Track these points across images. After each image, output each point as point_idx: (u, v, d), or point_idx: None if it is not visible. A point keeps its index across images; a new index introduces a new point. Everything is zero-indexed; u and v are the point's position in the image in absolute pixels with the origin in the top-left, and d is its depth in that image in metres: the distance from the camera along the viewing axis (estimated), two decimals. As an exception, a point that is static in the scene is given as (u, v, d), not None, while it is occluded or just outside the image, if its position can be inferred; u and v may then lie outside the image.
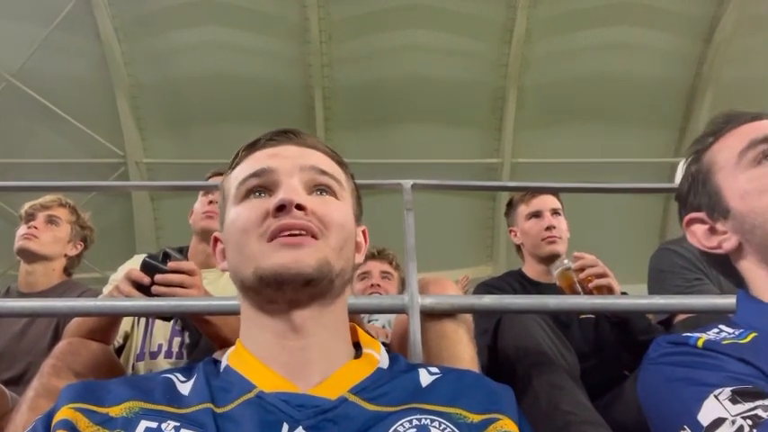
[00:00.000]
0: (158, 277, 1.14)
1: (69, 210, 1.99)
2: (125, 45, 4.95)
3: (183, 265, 1.16)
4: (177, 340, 1.43)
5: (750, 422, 0.55)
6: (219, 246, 0.76)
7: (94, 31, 4.81)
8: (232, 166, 0.75)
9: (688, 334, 0.68)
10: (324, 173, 0.72)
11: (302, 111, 5.22)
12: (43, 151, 5.18)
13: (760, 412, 0.55)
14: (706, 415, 0.58)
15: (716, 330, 0.69)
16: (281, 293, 0.64)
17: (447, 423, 0.60)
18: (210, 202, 1.63)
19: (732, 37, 4.82)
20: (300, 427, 0.58)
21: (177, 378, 0.67)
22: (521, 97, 5.13)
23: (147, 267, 1.14)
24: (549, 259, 1.75)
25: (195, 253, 1.61)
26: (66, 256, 1.96)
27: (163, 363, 1.40)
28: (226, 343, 1.28)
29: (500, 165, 5.39)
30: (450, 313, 1.09)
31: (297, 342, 0.65)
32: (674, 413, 0.62)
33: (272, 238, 0.64)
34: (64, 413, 0.59)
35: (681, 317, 1.38)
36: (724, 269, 0.78)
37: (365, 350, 0.70)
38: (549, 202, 1.83)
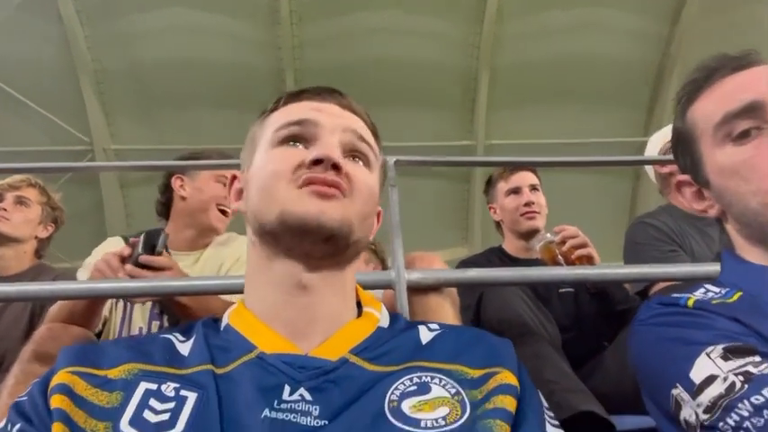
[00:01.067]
0: (150, 259, 1.13)
1: (39, 190, 1.93)
2: (88, 28, 4.79)
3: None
4: (156, 324, 1.41)
5: (741, 378, 0.56)
6: (237, 185, 0.75)
7: (56, 14, 4.65)
8: (270, 111, 0.75)
9: (677, 294, 0.69)
10: (363, 140, 0.72)
11: (274, 94, 5.10)
12: (4, 138, 5.01)
13: (750, 368, 0.56)
14: (698, 372, 0.59)
15: (702, 291, 0.70)
16: (300, 242, 0.64)
17: (448, 379, 0.61)
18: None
19: (698, 18, 4.91)
20: (302, 388, 0.58)
21: (176, 338, 0.66)
22: (493, 78, 5.15)
23: (149, 238, 1.15)
24: (529, 234, 1.78)
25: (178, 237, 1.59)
26: (36, 238, 1.91)
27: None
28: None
29: (473, 147, 5.40)
30: (435, 288, 1.10)
31: (303, 299, 0.65)
32: (667, 372, 0.63)
33: (304, 185, 0.64)
34: (61, 377, 0.58)
35: (658, 287, 1.42)
36: (720, 227, 0.78)
37: (365, 309, 0.71)
38: (527, 178, 1.86)
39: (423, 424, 0.56)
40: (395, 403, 0.58)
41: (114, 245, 1.52)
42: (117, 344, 0.64)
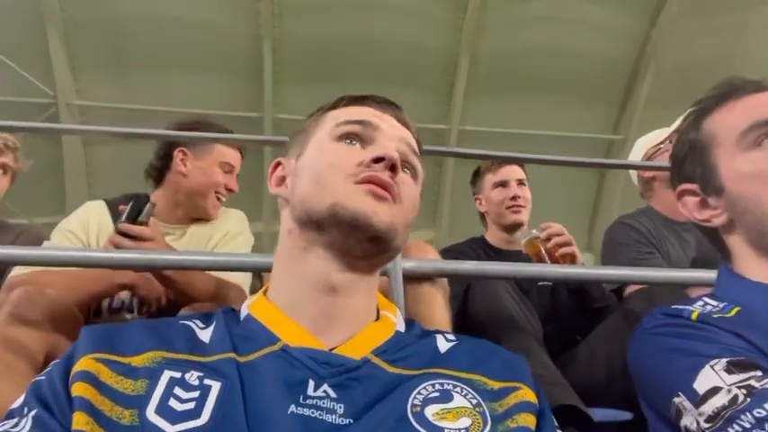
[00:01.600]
0: (129, 228, 1.11)
1: (14, 155, 1.83)
2: (57, -25, 4.57)
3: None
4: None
5: (744, 391, 0.59)
6: (279, 172, 0.76)
7: (23, -43, 4.42)
8: (328, 108, 0.76)
9: (680, 307, 0.72)
10: (415, 153, 0.75)
11: (250, 61, 5.02)
12: (-38, 86, 4.76)
13: (753, 382, 0.59)
14: (702, 383, 0.62)
15: (701, 303, 0.73)
16: (346, 238, 0.64)
17: (468, 389, 0.62)
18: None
19: (677, 19, 5.00)
20: (326, 385, 0.59)
21: (196, 325, 0.66)
22: (473, 64, 5.15)
23: (134, 206, 1.14)
24: (513, 227, 1.82)
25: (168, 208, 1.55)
26: None
27: (127, 317, 1.36)
28: (191, 300, 1.26)
29: (448, 131, 5.42)
30: (428, 277, 1.11)
31: (330, 299, 0.66)
32: (670, 381, 0.66)
33: (362, 182, 0.65)
34: (85, 363, 0.57)
35: (633, 287, 1.46)
36: (712, 239, 0.81)
37: (383, 312, 0.71)
38: (515, 172, 1.90)
39: None
40: (418, 408, 0.58)
41: (96, 209, 1.47)
42: (137, 328, 0.63)
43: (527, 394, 0.63)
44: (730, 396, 0.59)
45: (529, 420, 0.60)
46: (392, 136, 0.72)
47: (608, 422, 1.31)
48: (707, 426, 0.60)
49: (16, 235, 1.72)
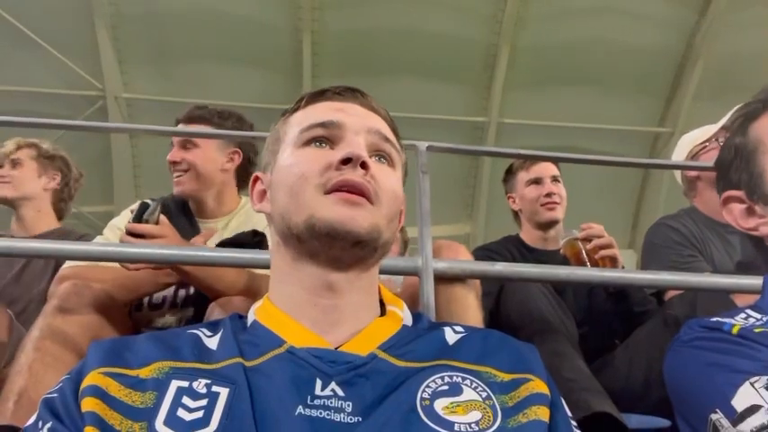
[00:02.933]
0: (134, 226, 1.15)
1: (28, 147, 1.96)
2: (106, -29, 4.70)
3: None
4: (182, 293, 1.40)
5: None
6: (259, 186, 0.75)
7: (75, -47, 4.56)
8: (291, 111, 0.75)
9: (721, 320, 0.70)
10: (387, 140, 0.72)
11: (290, 55, 5.08)
12: (16, 78, 4.95)
13: None
14: (740, 400, 0.60)
15: (743, 316, 0.70)
16: (327, 248, 0.64)
17: (478, 381, 0.62)
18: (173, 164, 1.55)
19: (726, 11, 4.81)
20: (333, 383, 0.59)
21: (203, 333, 0.67)
22: (512, 56, 5.08)
23: (141, 208, 1.16)
24: (548, 225, 1.79)
25: (192, 205, 1.57)
26: (46, 190, 1.94)
27: (167, 314, 1.39)
28: (219, 294, 1.26)
29: (487, 124, 5.37)
30: (460, 278, 1.10)
31: (329, 300, 0.66)
32: (707, 396, 0.64)
33: (332, 191, 0.64)
34: (93, 378, 0.57)
35: (674, 291, 1.42)
36: (759, 248, 0.78)
37: (389, 307, 0.71)
38: (549, 168, 1.86)
39: (456, 428, 0.56)
40: (427, 402, 0.58)
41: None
42: (144, 340, 0.64)
43: (538, 385, 0.62)
44: None
45: (541, 413, 0.59)
46: (358, 129, 0.70)
47: (644, 429, 1.29)
48: None
49: (77, 239, 1.81)
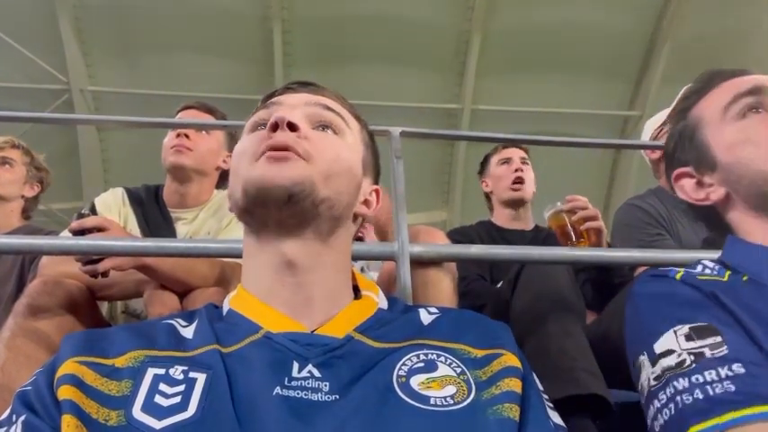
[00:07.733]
0: (74, 224, 1.13)
1: (22, 151, 1.95)
2: (67, -40, 4.57)
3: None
4: None
5: (693, 357, 0.61)
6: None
7: (34, -57, 4.42)
8: (251, 114, 0.76)
9: (671, 269, 0.73)
10: (328, 108, 0.73)
11: (260, 44, 5.01)
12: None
13: (706, 351, 0.61)
14: (661, 345, 0.64)
15: (700, 267, 0.74)
16: (266, 210, 0.64)
17: (452, 358, 0.63)
18: (179, 135, 1.52)
19: (692, -7, 4.88)
20: (310, 365, 0.59)
21: (179, 323, 0.67)
22: (485, 42, 5.09)
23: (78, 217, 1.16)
24: (516, 203, 1.89)
25: (169, 193, 1.54)
26: (23, 197, 1.94)
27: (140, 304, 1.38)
28: (190, 288, 1.25)
29: (460, 110, 5.38)
30: (436, 261, 1.12)
31: (294, 278, 0.66)
32: (640, 340, 0.68)
33: (261, 155, 0.65)
34: (68, 367, 0.57)
35: (643, 268, 1.45)
36: (709, 221, 0.83)
37: (364, 292, 0.72)
38: (518, 151, 1.98)
39: (432, 401, 0.57)
40: (403, 379, 0.59)
41: (116, 196, 1.50)
42: (120, 330, 0.64)
43: (510, 359, 0.64)
44: (679, 360, 0.62)
45: (513, 384, 0.61)
46: (295, 104, 0.72)
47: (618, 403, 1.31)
48: (653, 384, 0.63)
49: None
